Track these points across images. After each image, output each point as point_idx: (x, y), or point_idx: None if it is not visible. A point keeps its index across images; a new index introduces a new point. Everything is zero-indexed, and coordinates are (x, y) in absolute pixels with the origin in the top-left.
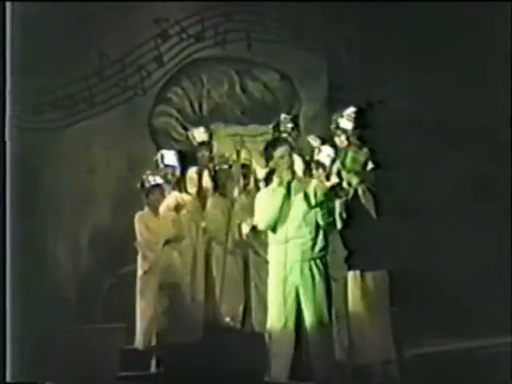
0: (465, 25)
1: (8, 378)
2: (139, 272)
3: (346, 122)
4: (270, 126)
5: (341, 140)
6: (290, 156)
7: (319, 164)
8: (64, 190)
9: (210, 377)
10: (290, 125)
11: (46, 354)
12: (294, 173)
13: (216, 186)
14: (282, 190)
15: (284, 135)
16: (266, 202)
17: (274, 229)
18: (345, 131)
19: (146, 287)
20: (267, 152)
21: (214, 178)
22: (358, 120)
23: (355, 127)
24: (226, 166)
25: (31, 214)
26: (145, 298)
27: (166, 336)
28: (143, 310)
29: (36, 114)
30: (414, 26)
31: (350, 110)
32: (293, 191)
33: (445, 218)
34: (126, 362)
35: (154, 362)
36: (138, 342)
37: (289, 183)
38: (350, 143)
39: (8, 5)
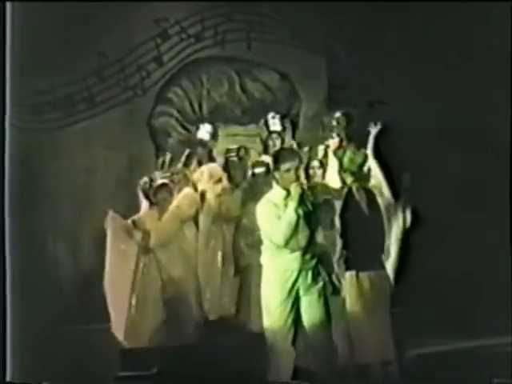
0: (465, 25)
1: (8, 378)
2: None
3: (336, 125)
4: (256, 126)
5: (334, 142)
6: (297, 170)
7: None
8: (64, 189)
9: (209, 377)
10: (278, 125)
11: (46, 353)
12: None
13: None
14: (294, 204)
15: (274, 135)
16: (280, 216)
17: (289, 243)
18: (338, 134)
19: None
20: (275, 162)
21: (229, 174)
22: (349, 123)
23: (346, 130)
24: (235, 159)
25: (31, 214)
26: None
27: (163, 336)
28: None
29: (35, 113)
30: (414, 26)
31: (339, 114)
32: (302, 202)
33: (444, 217)
34: (126, 362)
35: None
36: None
37: (300, 196)
38: (341, 146)
39: (8, 5)
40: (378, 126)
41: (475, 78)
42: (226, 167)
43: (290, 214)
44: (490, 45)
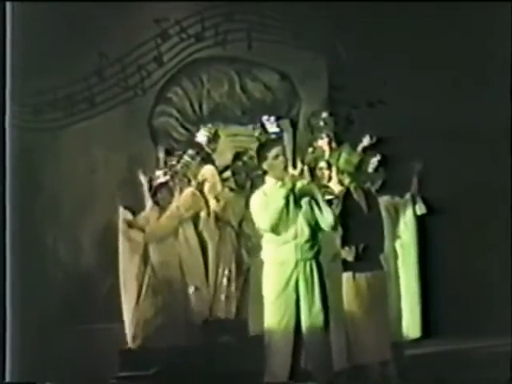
0: (465, 25)
1: (8, 378)
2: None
3: (324, 125)
4: (251, 128)
5: (323, 142)
6: (285, 155)
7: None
8: (64, 190)
9: (209, 377)
10: (275, 127)
11: (46, 353)
12: (293, 175)
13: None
14: (284, 191)
15: (272, 137)
16: (268, 204)
17: (277, 230)
18: (327, 135)
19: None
20: (261, 152)
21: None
22: (337, 123)
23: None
24: (240, 163)
25: (31, 214)
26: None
27: (161, 336)
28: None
29: (36, 114)
30: (414, 25)
31: (326, 115)
32: (293, 191)
33: (444, 217)
34: (126, 362)
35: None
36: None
37: (292, 185)
38: (330, 147)
39: (8, 5)
40: (372, 140)
41: (475, 78)
42: (232, 169)
43: (277, 199)
44: (491, 45)
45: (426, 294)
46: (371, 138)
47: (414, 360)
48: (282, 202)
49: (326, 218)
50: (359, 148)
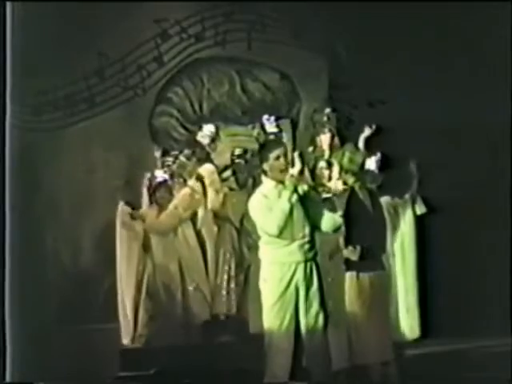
0: (465, 25)
1: (8, 378)
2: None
3: (327, 120)
4: (251, 128)
5: (325, 137)
6: (286, 157)
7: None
8: (64, 190)
9: (209, 377)
10: (274, 127)
11: (46, 353)
12: (292, 175)
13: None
14: (288, 193)
15: (271, 137)
16: (271, 207)
17: (283, 233)
18: (330, 130)
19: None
20: (262, 153)
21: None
22: (339, 118)
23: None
24: (242, 162)
25: (31, 214)
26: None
27: (161, 336)
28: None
29: (36, 114)
30: (414, 25)
31: (329, 110)
32: (296, 192)
33: (444, 217)
34: (126, 362)
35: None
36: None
37: (294, 186)
38: (332, 143)
39: (8, 5)
40: (372, 128)
41: (476, 78)
42: (232, 169)
43: (282, 202)
44: (491, 45)
45: (425, 293)
46: (370, 127)
47: (414, 360)
48: (287, 205)
49: (330, 221)
50: (361, 139)
